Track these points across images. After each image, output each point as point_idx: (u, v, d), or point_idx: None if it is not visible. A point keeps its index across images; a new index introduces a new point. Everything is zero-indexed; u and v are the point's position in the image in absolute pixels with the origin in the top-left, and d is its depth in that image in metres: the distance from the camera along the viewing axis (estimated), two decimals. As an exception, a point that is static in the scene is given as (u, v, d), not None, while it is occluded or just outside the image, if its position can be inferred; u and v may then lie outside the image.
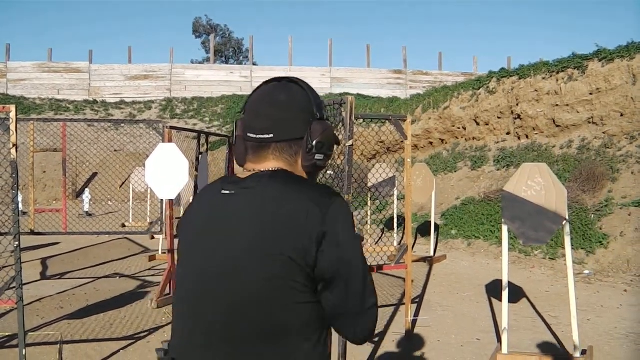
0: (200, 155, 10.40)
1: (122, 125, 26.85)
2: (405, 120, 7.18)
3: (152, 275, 11.33)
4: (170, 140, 9.38)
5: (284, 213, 1.98)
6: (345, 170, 5.37)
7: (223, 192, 2.10)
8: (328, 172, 7.89)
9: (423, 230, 15.55)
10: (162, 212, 10.43)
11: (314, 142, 2.14)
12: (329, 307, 2.02)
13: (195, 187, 10.47)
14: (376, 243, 15.03)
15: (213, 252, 2.04)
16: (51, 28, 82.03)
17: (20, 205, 21.04)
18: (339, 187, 6.27)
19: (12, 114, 5.41)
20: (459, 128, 19.91)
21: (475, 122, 19.17)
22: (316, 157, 2.16)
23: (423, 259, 12.58)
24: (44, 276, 11.55)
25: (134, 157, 24.19)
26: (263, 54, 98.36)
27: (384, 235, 16.12)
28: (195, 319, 2.05)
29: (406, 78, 33.75)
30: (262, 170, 2.13)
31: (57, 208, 15.92)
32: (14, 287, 5.69)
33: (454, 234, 14.86)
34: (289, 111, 2.16)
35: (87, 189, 22.36)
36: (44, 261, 13.00)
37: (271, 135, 2.13)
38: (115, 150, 23.73)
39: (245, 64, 43.95)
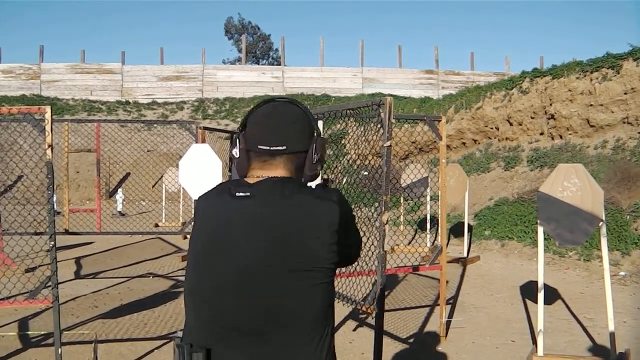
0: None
1: (155, 125, 26.98)
2: (440, 121, 7.14)
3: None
4: (203, 141, 9.39)
5: (305, 211, 2.27)
6: (383, 171, 5.32)
7: (237, 194, 2.33)
8: (363, 172, 7.88)
9: (456, 230, 15.45)
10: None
11: (319, 155, 2.48)
12: (344, 257, 2.42)
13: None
14: (409, 243, 14.97)
15: (243, 248, 2.24)
16: (84, 30, 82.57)
17: (55, 205, 21.32)
18: (372, 187, 6.26)
19: (48, 115, 5.44)
20: (491, 128, 19.79)
21: (508, 122, 19.04)
22: (318, 168, 2.50)
23: (456, 260, 12.51)
24: (78, 275, 11.64)
25: (167, 157, 24.29)
26: (294, 55, 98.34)
27: (417, 236, 16.06)
28: (233, 311, 2.24)
29: (438, 78, 33.55)
30: (271, 176, 2.37)
31: (91, 208, 16.01)
32: (49, 287, 5.72)
33: (487, 235, 14.76)
34: (296, 127, 2.46)
35: (120, 189, 22.48)
36: (77, 260, 13.11)
37: (284, 147, 2.40)
38: (147, 151, 23.79)
39: (275, 64, 44.08)
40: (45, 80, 31.50)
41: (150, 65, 32.55)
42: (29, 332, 8.00)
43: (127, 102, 31.25)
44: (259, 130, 2.44)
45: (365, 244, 6.56)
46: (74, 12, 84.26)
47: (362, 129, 7.01)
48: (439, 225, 7.79)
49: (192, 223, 2.57)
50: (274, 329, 2.22)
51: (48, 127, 5.39)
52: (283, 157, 2.41)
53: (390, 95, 25.09)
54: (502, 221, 14.98)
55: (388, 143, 5.23)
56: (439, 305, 8.31)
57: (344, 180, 6.98)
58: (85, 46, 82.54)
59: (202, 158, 8.83)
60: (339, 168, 6.83)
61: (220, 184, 2.49)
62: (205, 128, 9.53)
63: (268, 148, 2.39)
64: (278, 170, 2.40)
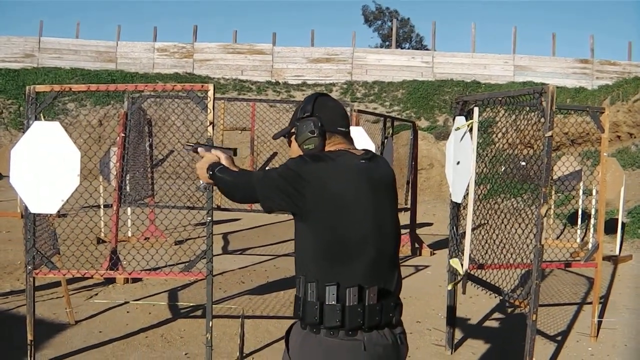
0: (386, 140, 10.37)
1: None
2: (603, 112, 6.85)
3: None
4: (357, 124, 9.40)
5: (391, 172, 3.21)
6: (543, 162, 5.15)
7: (361, 161, 3.00)
8: (521, 162, 7.68)
9: (608, 227, 14.82)
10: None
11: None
12: None
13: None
14: (558, 237, 14.55)
15: (378, 198, 3.04)
16: (236, 10, 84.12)
17: (202, 183, 21.84)
18: (521, 177, 6.08)
19: (210, 93, 5.52)
20: (649, 122, 18.98)
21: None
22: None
23: (607, 258, 12.03)
24: (225, 250, 11.92)
25: (314, 138, 24.41)
26: (440, 40, 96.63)
27: (565, 230, 15.57)
28: (377, 248, 2.99)
29: (592, 68, 32.35)
30: (362, 149, 3.15)
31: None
32: (204, 260, 5.83)
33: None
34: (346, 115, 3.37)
35: (267, 168, 22.80)
36: (225, 236, 13.40)
37: (345, 128, 3.22)
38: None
39: (417, 50, 43.64)
40: (198, 59, 32.23)
41: (300, 47, 32.79)
42: (178, 303, 8.23)
43: (277, 83, 31.62)
44: (332, 116, 3.16)
45: (514, 235, 6.42)
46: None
47: (513, 118, 6.81)
48: (594, 221, 7.50)
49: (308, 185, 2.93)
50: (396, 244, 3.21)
51: (210, 105, 5.47)
52: (347, 134, 3.20)
53: (542, 84, 24.47)
54: (651, 221, 14.35)
55: (549, 133, 5.05)
56: (588, 303, 8.06)
57: (502, 169, 6.82)
58: (238, 27, 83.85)
59: (357, 140, 8.84)
60: (489, 157, 6.67)
61: (320, 154, 3.05)
62: (360, 111, 9.54)
63: (345, 130, 3.19)
64: (352, 144, 3.20)
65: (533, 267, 5.15)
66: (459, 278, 6.04)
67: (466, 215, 6.12)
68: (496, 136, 6.65)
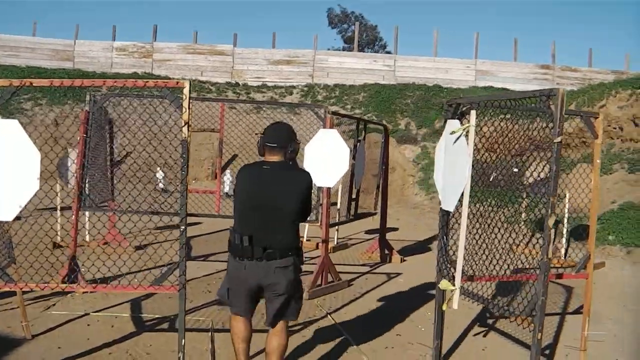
0: (358, 143, 9.97)
1: (264, 108, 26.79)
2: (597, 118, 6.54)
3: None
4: (332, 126, 9.00)
5: (292, 175, 5.47)
6: (552, 169, 4.80)
7: (264, 167, 5.42)
8: (514, 169, 7.37)
9: (575, 233, 14.67)
10: (317, 200, 10.09)
11: (292, 149, 5.52)
12: (304, 210, 5.55)
13: (352, 175, 10.06)
14: (527, 244, 14.28)
15: (265, 190, 5.35)
16: (197, 11, 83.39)
17: (162, 184, 21.30)
18: (506, 185, 5.75)
19: (186, 90, 5.08)
20: (614, 128, 18.81)
21: (634, 122, 18.08)
22: (292, 154, 5.53)
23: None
24: (188, 257, 11.35)
25: (275, 140, 23.98)
26: (403, 44, 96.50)
27: (533, 237, 15.32)
28: (270, 218, 5.34)
29: (554, 74, 32.44)
30: (274, 160, 5.46)
31: (211, 189, 15.86)
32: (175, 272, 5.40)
33: (611, 240, 13.93)
34: (283, 135, 5.53)
35: (227, 170, 22.32)
36: (187, 241, 12.89)
37: (275, 145, 5.44)
38: (256, 134, 23.53)
39: (380, 53, 43.52)
40: (157, 59, 31.72)
41: (261, 48, 32.48)
42: (143, 315, 7.77)
43: (237, 84, 31.21)
44: (267, 136, 5.52)
45: (505, 245, 6.12)
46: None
47: (504, 123, 6.53)
48: (589, 230, 7.21)
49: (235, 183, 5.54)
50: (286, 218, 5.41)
51: (185, 104, 5.03)
52: (277, 149, 5.46)
53: (504, 89, 24.38)
54: (628, 227, 14.13)
55: (559, 139, 4.71)
56: (570, 313, 7.78)
57: (491, 176, 6.47)
58: (198, 27, 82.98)
59: (330, 144, 8.40)
60: (480, 163, 6.32)
61: (257, 162, 5.65)
62: (334, 113, 9.14)
63: (271, 145, 5.45)
64: (276, 157, 5.47)
65: (538, 281, 4.83)
66: (452, 294, 5.66)
67: (455, 223, 5.78)
68: (487, 141, 6.29)
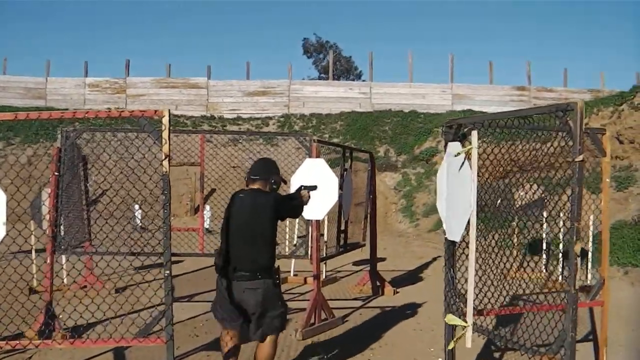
0: (345, 172, 9.51)
1: (240, 141, 26.37)
2: (604, 134, 6.15)
3: (288, 300, 10.49)
4: (318, 155, 8.56)
5: (260, 199, 6.17)
6: (575, 191, 4.36)
7: (240, 195, 6.25)
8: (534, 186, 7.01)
9: (566, 255, 14.28)
10: (307, 234, 9.62)
11: (274, 181, 6.35)
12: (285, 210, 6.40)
13: (340, 206, 9.59)
14: (519, 268, 13.84)
15: (239, 215, 6.10)
16: (170, 45, 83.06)
17: (139, 221, 20.65)
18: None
19: (165, 120, 4.60)
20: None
21: (618, 140, 17.79)
22: (274, 186, 6.35)
23: (581, 289, 11.34)
24: (172, 298, 10.80)
25: (253, 173, 23.52)
26: (378, 71, 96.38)
27: (526, 260, 14.90)
28: (240, 242, 6.02)
29: (530, 95, 32.40)
30: (252, 188, 6.28)
31: (193, 227, 15.36)
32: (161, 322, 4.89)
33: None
34: (264, 168, 6.44)
35: (207, 205, 21.79)
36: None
37: (257, 177, 6.30)
38: (233, 167, 23.13)
39: (355, 81, 43.35)
40: (131, 94, 31.34)
41: (236, 80, 32.23)
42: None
43: (212, 117, 30.85)
44: (252, 169, 6.37)
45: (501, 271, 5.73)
46: (160, 27, 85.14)
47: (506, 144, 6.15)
48: (602, 253, 6.83)
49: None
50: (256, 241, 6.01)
51: (165, 135, 4.55)
52: (258, 181, 6.27)
53: (481, 112, 24.18)
54: (622, 246, 13.75)
55: (580, 157, 4.28)
56: (580, 341, 7.35)
57: (499, 201, 6.06)
58: (171, 61, 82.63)
59: (317, 174, 7.91)
60: (484, 188, 5.92)
61: (237, 190, 6.44)
62: (320, 141, 8.71)
63: (253, 177, 6.28)
64: (256, 185, 6.26)
65: (567, 316, 4.39)
66: (463, 331, 5.20)
67: (460, 254, 5.34)
68: (491, 163, 5.88)
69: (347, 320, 9.72)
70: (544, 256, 13.25)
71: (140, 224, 20.34)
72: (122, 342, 5.10)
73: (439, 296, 11.59)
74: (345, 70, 49.98)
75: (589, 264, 12.37)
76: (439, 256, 16.91)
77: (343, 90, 32.34)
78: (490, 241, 5.91)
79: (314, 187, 6.69)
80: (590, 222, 12.25)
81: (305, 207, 6.63)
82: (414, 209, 24.12)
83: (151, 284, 8.74)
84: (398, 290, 11.98)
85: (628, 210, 15.33)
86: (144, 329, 5.11)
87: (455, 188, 5.28)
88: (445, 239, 5.75)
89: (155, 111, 4.70)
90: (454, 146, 5.36)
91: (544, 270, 12.76)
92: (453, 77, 32.44)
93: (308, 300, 9.39)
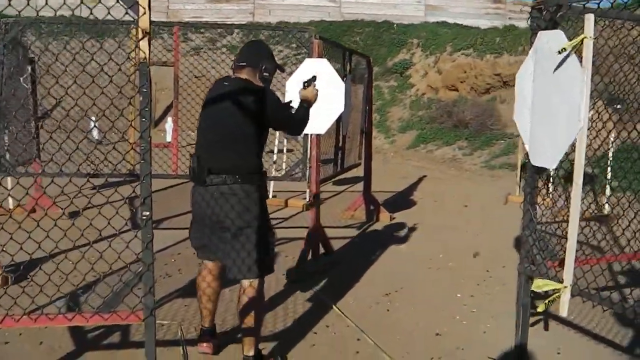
0: (345, 78, 7.92)
1: (203, 49, 24.85)
2: None
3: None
4: (320, 55, 7.02)
5: (246, 91, 4.90)
6: None
7: (224, 83, 5.08)
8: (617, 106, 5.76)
9: (568, 179, 12.96)
10: (304, 152, 8.18)
11: (264, 67, 5.03)
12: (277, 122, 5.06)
13: (338, 119, 8.01)
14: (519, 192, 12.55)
15: (218, 107, 4.95)
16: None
17: (96, 135, 18.61)
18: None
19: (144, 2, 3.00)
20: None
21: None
22: (265, 74, 5.05)
23: (596, 219, 9.90)
24: (134, 224, 8.96)
25: (217, 84, 22.08)
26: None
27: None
28: (218, 137, 4.83)
29: (505, 8, 31.03)
30: (238, 76, 5.04)
31: (165, 143, 13.76)
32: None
33: (615, 187, 12.17)
34: (252, 52, 5.20)
35: (169, 117, 20.23)
36: (130, 201, 9.93)
37: (244, 63, 5.03)
38: (195, 77, 21.53)
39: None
40: (85, -2, 29.41)
41: (199, -15, 30.40)
42: (84, 325, 5.72)
43: (172, 25, 29.10)
44: (239, 54, 5.21)
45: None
46: None
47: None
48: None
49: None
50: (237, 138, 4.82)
51: (144, 2, 2.97)
52: (245, 67, 5.04)
53: (456, 24, 23.03)
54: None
55: None
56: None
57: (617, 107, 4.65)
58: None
59: (320, 78, 6.18)
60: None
61: (219, 78, 5.46)
62: (322, 39, 7.17)
63: (238, 63, 5.09)
64: (243, 74, 5.03)
65: None
66: (555, 293, 3.79)
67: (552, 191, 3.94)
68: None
69: (342, 257, 8.29)
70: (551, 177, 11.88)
71: (97, 138, 18.23)
72: (94, 320, 3.51)
73: (442, 225, 10.39)
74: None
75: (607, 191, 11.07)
76: (425, 176, 15.77)
77: (312, -3, 30.81)
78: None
79: (314, 79, 5.46)
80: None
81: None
82: (389, 124, 22.85)
83: (112, 207, 6.84)
84: (394, 216, 10.59)
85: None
86: (112, 299, 3.54)
87: (550, 95, 3.78)
88: (529, 164, 4.29)
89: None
90: (551, 36, 3.80)
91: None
92: (427, -12, 31.09)
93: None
